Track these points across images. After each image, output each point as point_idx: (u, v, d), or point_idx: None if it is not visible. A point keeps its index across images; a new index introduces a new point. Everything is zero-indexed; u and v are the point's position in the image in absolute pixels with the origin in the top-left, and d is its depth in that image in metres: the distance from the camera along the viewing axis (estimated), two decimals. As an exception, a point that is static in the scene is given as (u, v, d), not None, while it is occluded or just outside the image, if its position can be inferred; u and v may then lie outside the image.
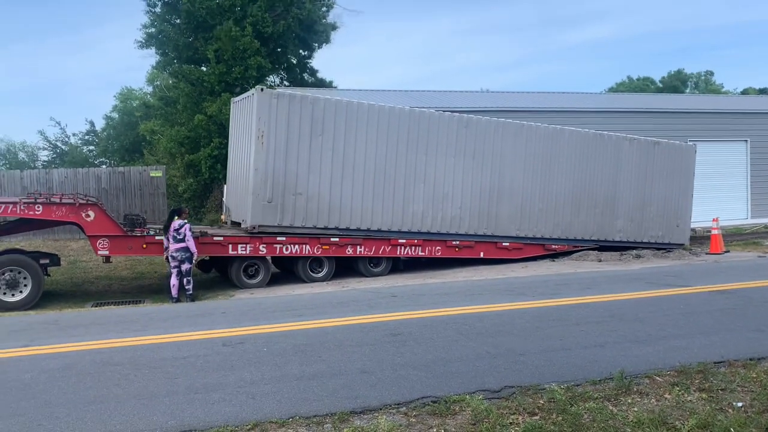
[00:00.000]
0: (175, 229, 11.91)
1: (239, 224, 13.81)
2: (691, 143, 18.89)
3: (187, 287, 11.95)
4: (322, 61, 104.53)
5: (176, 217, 12.13)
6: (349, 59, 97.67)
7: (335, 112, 13.57)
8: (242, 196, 13.83)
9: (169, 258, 12.03)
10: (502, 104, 23.24)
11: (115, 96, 46.80)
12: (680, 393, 5.54)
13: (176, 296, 11.94)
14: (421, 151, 14.49)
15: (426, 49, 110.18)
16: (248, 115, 13.56)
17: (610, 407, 5.26)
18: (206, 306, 11.10)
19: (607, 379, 5.86)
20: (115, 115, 43.81)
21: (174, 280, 11.96)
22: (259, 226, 13.04)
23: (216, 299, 12.07)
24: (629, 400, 5.42)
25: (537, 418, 5.07)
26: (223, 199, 16.26)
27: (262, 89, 13.17)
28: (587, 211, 16.57)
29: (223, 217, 15.92)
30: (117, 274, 15.76)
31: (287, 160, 13.16)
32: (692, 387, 5.67)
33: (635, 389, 5.64)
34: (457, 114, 15.40)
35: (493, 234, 15.37)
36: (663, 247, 17.50)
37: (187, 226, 12.10)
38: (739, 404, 5.28)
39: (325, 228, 13.64)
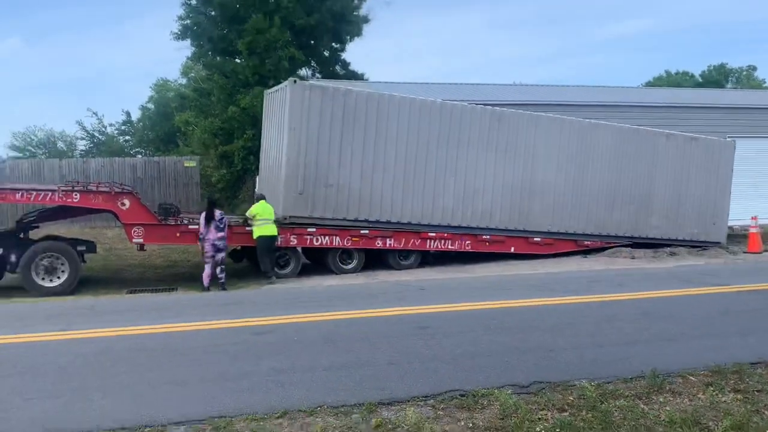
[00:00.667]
0: (218, 219, 12.16)
1: None
2: (730, 140, 18.40)
3: (220, 275, 12.14)
4: (355, 53, 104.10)
5: (215, 208, 12.40)
6: (382, 52, 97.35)
7: (366, 105, 13.56)
8: (274, 186, 13.94)
9: (208, 247, 12.21)
10: (536, 98, 22.96)
11: (150, 87, 47.43)
12: (714, 393, 5.43)
13: (208, 285, 12.10)
14: (453, 145, 14.38)
15: (460, 42, 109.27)
16: (281, 106, 13.65)
17: (642, 405, 5.19)
18: (238, 295, 11.23)
19: (639, 377, 5.78)
20: (151, 106, 44.41)
21: (209, 270, 12.13)
22: (290, 216, 13.13)
23: (248, 288, 12.20)
24: (661, 399, 5.33)
25: (566, 414, 5.03)
26: (256, 189, 16.41)
27: (295, 81, 13.23)
28: (621, 207, 16.28)
29: None
30: (151, 262, 16.03)
31: (319, 151, 13.21)
32: (727, 387, 5.56)
33: (668, 388, 5.55)
34: (490, 107, 15.23)
35: (525, 229, 15.21)
36: (699, 245, 17.14)
37: (226, 216, 12.38)
38: (776, 406, 5.15)
39: (355, 220, 13.64)
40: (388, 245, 14.08)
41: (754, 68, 62.91)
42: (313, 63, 31.99)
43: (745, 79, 60.95)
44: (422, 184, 14.13)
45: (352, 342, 7.08)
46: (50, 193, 12.11)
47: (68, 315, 9.13)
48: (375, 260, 14.36)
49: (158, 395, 5.44)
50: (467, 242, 14.83)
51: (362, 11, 30.92)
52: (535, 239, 15.50)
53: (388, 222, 13.91)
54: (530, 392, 5.49)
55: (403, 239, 14.20)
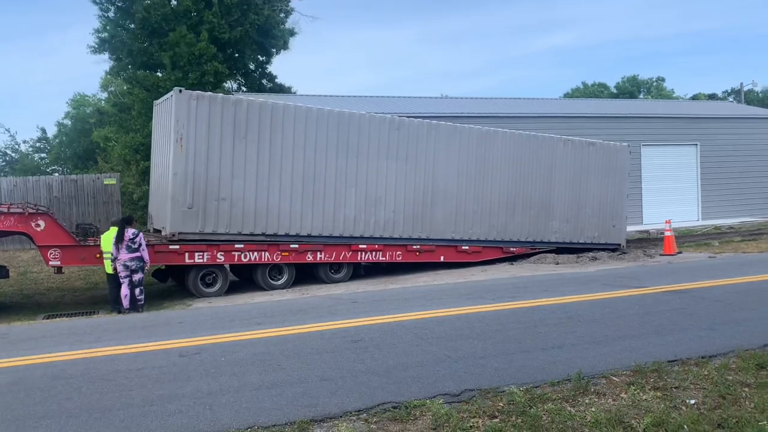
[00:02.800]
0: (129, 239, 11.63)
1: (160, 232, 13.38)
2: (624, 143, 19.07)
3: (139, 297, 11.67)
4: (285, 67, 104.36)
5: (127, 226, 11.84)
6: (313, 67, 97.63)
7: (260, 114, 13.21)
8: (162, 202, 13.40)
9: (120, 268, 11.71)
10: (460, 110, 23.52)
11: (67, 102, 45.74)
12: (636, 392, 5.63)
13: (128, 306, 11.62)
14: (352, 154, 14.24)
15: (390, 56, 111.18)
16: (168, 117, 13.13)
17: (569, 408, 5.32)
18: (163, 316, 10.86)
19: (566, 380, 5.93)
20: (68, 122, 42.77)
21: (126, 290, 11.64)
22: (179, 233, 12.58)
23: (173, 309, 11.82)
24: (587, 401, 5.48)
25: (497, 420, 5.09)
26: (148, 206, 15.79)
27: (180, 90, 12.72)
28: (522, 213, 16.61)
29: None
30: (70, 285, 15.33)
31: (209, 164, 12.74)
32: (647, 386, 5.77)
33: (592, 389, 5.72)
34: (389, 116, 15.24)
35: (428, 237, 15.26)
36: (600, 248, 17.71)
37: (141, 234, 11.85)
38: (692, 401, 5.39)
39: (251, 234, 13.24)
40: (318, 259, 14.00)
41: (663, 79, 66.53)
42: (238, 76, 31.65)
43: (655, 89, 64.31)
44: (322, 194, 13.92)
45: (282, 359, 6.96)
46: (-44, 216, 11.41)
47: (-22, 344, 8.58)
48: (306, 275, 14.24)
49: (77, 425, 5.17)
50: (398, 253, 14.94)
51: (287, 25, 30.91)
52: (464, 248, 15.77)
53: (287, 235, 13.57)
54: (462, 401, 5.53)
55: (334, 252, 14.15)
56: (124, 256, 11.61)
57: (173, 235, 12.54)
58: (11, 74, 73.53)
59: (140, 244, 11.69)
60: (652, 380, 5.90)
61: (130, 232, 11.72)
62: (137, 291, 11.68)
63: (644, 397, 5.53)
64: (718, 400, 5.40)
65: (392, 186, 14.75)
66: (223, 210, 12.91)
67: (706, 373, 6.08)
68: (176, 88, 12.85)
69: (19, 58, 75.37)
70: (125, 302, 11.65)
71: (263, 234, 13.33)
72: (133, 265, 11.64)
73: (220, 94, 13.61)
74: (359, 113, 14.73)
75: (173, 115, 12.54)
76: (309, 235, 13.80)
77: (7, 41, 75.67)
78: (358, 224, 14.35)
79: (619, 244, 18.29)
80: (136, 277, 11.69)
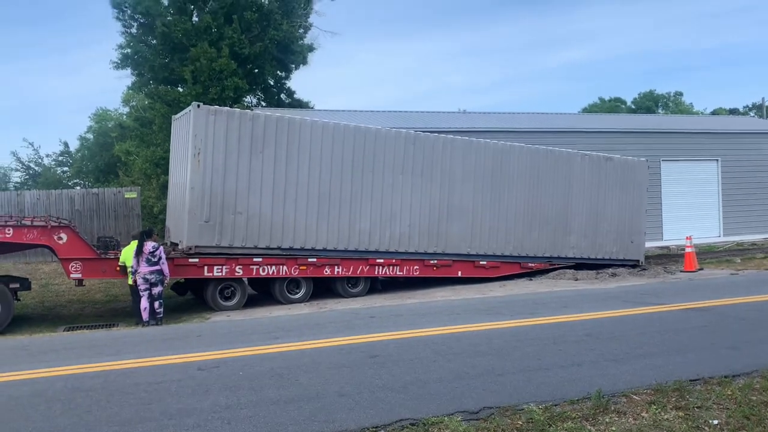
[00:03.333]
0: (150, 252, 11.74)
1: (177, 245, 13.41)
2: (643, 158, 18.92)
3: (158, 310, 11.77)
4: (304, 83, 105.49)
5: (147, 239, 11.95)
6: (333, 82, 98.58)
7: (276, 129, 13.29)
8: (179, 215, 13.48)
9: (140, 281, 11.81)
10: (477, 125, 23.50)
11: (90, 117, 46.36)
12: (657, 411, 5.55)
13: (147, 319, 11.72)
14: (368, 169, 14.29)
15: (409, 71, 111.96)
16: (186, 132, 13.25)
17: (588, 427, 5.25)
18: (181, 329, 10.93)
19: (585, 399, 5.85)
20: (90, 136, 43.39)
21: (145, 303, 11.75)
22: (195, 246, 12.63)
23: (191, 322, 11.89)
24: (607, 419, 5.41)
25: (515, 439, 5.05)
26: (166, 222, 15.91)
27: (198, 105, 12.86)
28: (540, 228, 16.50)
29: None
30: (90, 298, 15.48)
31: (226, 178, 12.83)
32: (669, 405, 5.68)
33: (613, 408, 5.64)
34: (404, 130, 15.30)
35: (444, 252, 15.19)
36: (618, 264, 17.52)
37: (161, 248, 11.95)
38: (715, 422, 5.29)
39: (267, 248, 13.27)
40: (336, 273, 14.02)
41: (681, 94, 66.11)
42: (258, 91, 31.95)
43: (673, 104, 63.89)
44: (338, 209, 13.94)
45: (300, 374, 6.96)
46: (-19, 229, 11.60)
47: (1, 356, 8.68)
48: (323, 289, 14.26)
49: (97, 438, 5.20)
50: (415, 267, 14.92)
51: (307, 40, 31.17)
52: (482, 263, 15.70)
53: (302, 249, 13.57)
54: (480, 418, 5.48)
55: (352, 266, 14.16)
56: (144, 269, 11.73)
57: (190, 249, 12.62)
58: (35, 89, 75.08)
59: (160, 258, 11.80)
60: (673, 399, 5.81)
61: (150, 245, 11.83)
62: (156, 304, 11.78)
63: (666, 417, 5.44)
64: (741, 421, 5.29)
65: (408, 200, 14.76)
66: (240, 224, 12.97)
67: (729, 392, 5.97)
68: (194, 103, 13.00)
69: (43, 73, 76.96)
70: (144, 315, 11.75)
71: (279, 248, 13.39)
72: (152, 278, 11.74)
73: (238, 110, 13.74)
74: (375, 128, 14.80)
75: (191, 129, 12.68)
76: (325, 249, 13.83)
77: (32, 58, 77.35)
78: (374, 238, 14.36)
79: (638, 261, 18.10)
80: (156, 290, 11.79)
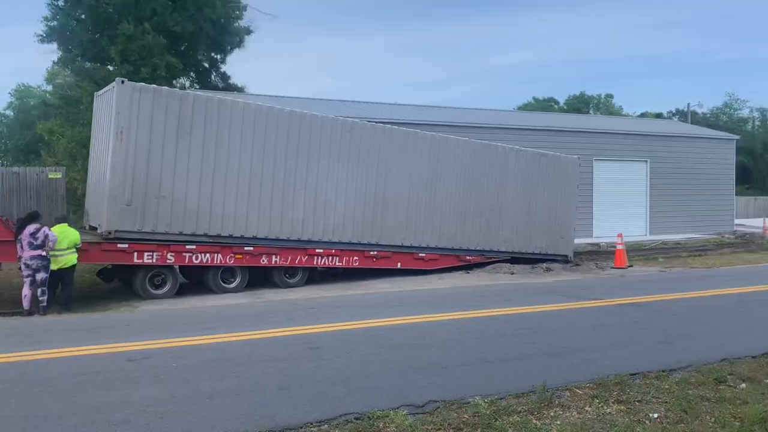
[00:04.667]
0: (30, 234, 10.83)
1: (96, 229, 12.72)
2: (575, 156, 19.26)
3: (41, 298, 10.89)
4: (243, 69, 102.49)
5: (31, 222, 10.97)
6: (271, 70, 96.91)
7: (206, 110, 12.67)
8: (99, 198, 12.74)
9: (22, 266, 10.97)
10: (416, 118, 23.51)
11: (10, 93, 43.87)
12: (600, 405, 5.58)
13: (29, 308, 10.89)
14: (302, 156, 13.82)
15: (350, 64, 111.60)
16: (109, 109, 12.50)
17: (534, 421, 5.21)
18: (108, 318, 10.38)
19: (530, 392, 5.83)
20: (10, 113, 41.08)
21: (26, 290, 10.90)
22: (115, 231, 11.94)
23: (119, 311, 11.31)
24: (552, 413, 5.40)
25: (462, 433, 4.95)
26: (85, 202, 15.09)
27: (123, 81, 12.13)
28: (473, 221, 16.52)
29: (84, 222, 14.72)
30: (7, 282, 14.52)
31: (150, 159, 12.15)
32: (611, 399, 5.73)
33: (557, 402, 5.64)
34: (341, 118, 14.95)
35: (378, 243, 14.98)
36: (548, 259, 17.83)
37: (45, 230, 11.01)
38: (655, 415, 5.36)
39: (192, 234, 12.68)
40: (274, 262, 13.66)
41: (611, 96, 68.42)
42: (191, 74, 30.96)
43: (604, 106, 66.08)
44: (269, 196, 13.46)
45: (237, 366, 6.66)
46: None
47: None
48: (260, 278, 13.87)
49: (14, 435, 4.79)
50: (355, 258, 14.73)
51: (243, 23, 30.39)
52: (421, 255, 15.66)
53: (231, 236, 13.06)
54: (426, 412, 5.37)
55: (290, 256, 13.83)
56: (26, 254, 10.85)
57: (109, 233, 11.91)
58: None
59: (46, 241, 10.91)
60: (615, 393, 5.87)
61: (31, 227, 10.88)
62: (39, 291, 10.90)
63: (608, 411, 5.48)
64: (680, 414, 5.38)
65: (343, 190, 14.41)
66: (164, 208, 12.31)
67: (667, 387, 6.08)
68: (118, 79, 12.24)
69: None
70: (25, 303, 10.88)
71: (206, 234, 12.80)
72: (34, 263, 10.84)
73: (165, 88, 13.00)
74: (311, 114, 14.32)
75: (114, 107, 11.92)
76: (256, 237, 13.34)
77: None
78: (307, 228, 13.94)
79: (567, 256, 18.45)
80: (39, 276, 10.91)
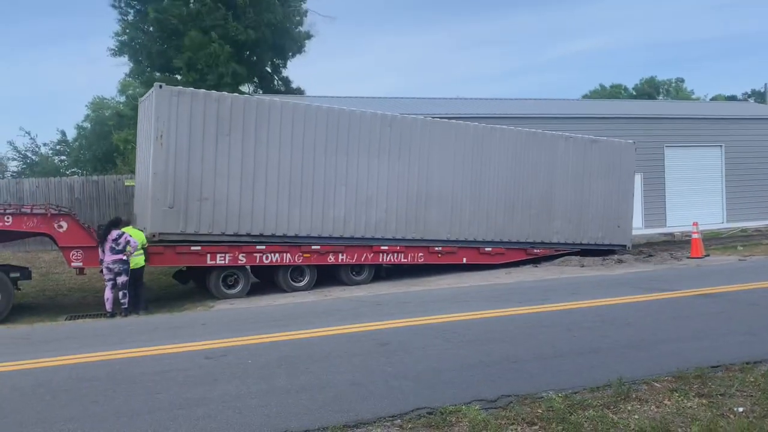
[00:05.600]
0: (113, 240, 11.37)
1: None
2: (630, 140, 18.43)
3: (122, 300, 11.41)
4: (304, 72, 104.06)
5: (114, 228, 11.54)
6: (334, 72, 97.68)
7: (244, 111, 12.78)
8: (144, 201, 13.01)
9: (104, 270, 11.48)
10: (480, 111, 23.23)
11: (87, 105, 45.96)
12: (680, 399, 5.40)
13: (111, 310, 11.40)
14: (342, 152, 13.74)
15: (413, 61, 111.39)
16: (149, 114, 12.77)
17: (610, 415, 5.10)
18: (186, 317, 10.77)
19: (605, 386, 5.70)
20: (87, 125, 43.01)
21: (108, 294, 11.42)
22: (159, 234, 12.18)
23: (195, 310, 11.72)
24: (629, 407, 5.26)
25: (536, 428, 4.89)
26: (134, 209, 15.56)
27: (161, 86, 12.35)
28: (522, 213, 16.04)
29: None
30: (91, 286, 15.26)
31: (190, 162, 12.31)
32: (691, 392, 5.54)
33: (634, 396, 5.49)
34: (381, 112, 14.75)
35: (423, 238, 14.75)
36: (604, 249, 17.23)
37: (127, 235, 11.51)
38: (740, 409, 5.15)
39: (235, 234, 12.82)
40: (340, 260, 13.85)
41: (682, 80, 65.69)
42: (255, 79, 31.67)
43: (674, 90, 63.55)
44: (310, 193, 13.47)
45: (310, 362, 6.80)
46: (-19, 217, 11.38)
47: (1, 345, 8.52)
48: (327, 277, 14.09)
49: (105, 428, 5.04)
50: (420, 254, 14.74)
51: (304, 27, 30.86)
52: (486, 249, 15.51)
53: (273, 235, 13.15)
54: (498, 407, 5.33)
55: (356, 254, 14.00)
56: (108, 258, 11.39)
57: (153, 236, 12.22)
58: (32, 78, 74.45)
59: (126, 246, 11.43)
60: (696, 387, 5.67)
61: (114, 233, 11.42)
62: (120, 294, 11.41)
63: (689, 405, 5.30)
64: (767, 408, 5.15)
65: (384, 185, 14.27)
66: (206, 210, 12.49)
67: (752, 379, 5.83)
68: (156, 84, 12.51)
69: (40, 62, 76.31)
70: (108, 305, 11.40)
71: (248, 234, 12.91)
72: (116, 267, 11.36)
73: (202, 90, 13.15)
74: (349, 109, 14.20)
75: (153, 111, 12.18)
76: (296, 236, 13.38)
77: (28, 46, 76.65)
78: (348, 225, 13.87)
79: (625, 245, 17.80)
80: (120, 279, 11.42)
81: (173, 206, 12.23)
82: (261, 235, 13.06)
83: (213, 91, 13.17)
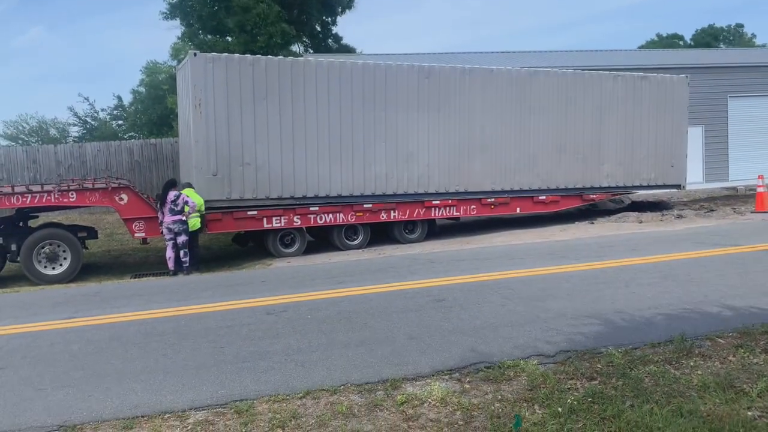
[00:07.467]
0: (171, 201, 11.70)
1: None
2: (682, 75, 17.53)
3: (183, 260, 11.78)
4: (356, 29, 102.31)
5: (170, 189, 11.89)
6: (388, 28, 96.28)
7: (279, 73, 12.71)
8: (188, 170, 13.19)
9: (165, 231, 11.85)
10: (533, 64, 22.61)
11: (141, 70, 46.86)
12: (745, 355, 5.29)
13: (173, 269, 11.83)
14: (380, 108, 13.57)
15: (467, 16, 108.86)
16: (186, 83, 12.84)
17: (672, 371, 5.03)
18: (245, 275, 11.07)
19: (667, 342, 5.63)
20: (143, 89, 43.90)
21: (170, 253, 11.82)
22: (206, 201, 12.36)
23: (254, 269, 12.03)
24: (692, 363, 5.18)
25: (596, 383, 4.87)
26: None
27: (195, 53, 12.40)
28: (570, 158, 15.56)
29: None
30: (153, 246, 15.79)
31: (230, 128, 12.40)
32: (757, 349, 5.41)
33: (697, 352, 5.40)
34: (417, 64, 14.34)
35: (467, 190, 14.52)
36: (657, 188, 16.69)
37: (184, 196, 11.80)
38: (810, 365, 5.01)
39: (279, 198, 12.93)
40: (392, 217, 13.93)
41: (741, 26, 62.17)
42: (305, 38, 31.56)
43: (734, 37, 60.30)
44: (350, 152, 13.41)
45: (368, 318, 6.92)
46: (46, 195, 11.85)
47: (74, 302, 8.96)
48: (381, 235, 14.20)
49: (175, 380, 5.29)
50: (472, 207, 14.63)
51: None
52: (540, 198, 15.24)
53: (316, 197, 13.22)
54: (557, 362, 5.33)
55: (408, 210, 14.04)
56: (168, 219, 11.74)
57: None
58: (89, 46, 76.17)
59: (184, 207, 11.72)
60: (762, 343, 5.52)
61: (172, 194, 11.74)
62: (182, 253, 11.78)
63: (755, 361, 5.18)
64: (839, 365, 4.99)
65: (425, 138, 14.06)
66: (249, 175, 12.62)
67: (822, 335, 5.64)
68: (191, 51, 12.58)
69: (96, 31, 77.85)
70: (170, 264, 11.82)
71: (291, 197, 13.04)
72: (176, 227, 11.72)
73: (237, 55, 13.16)
74: (385, 63, 13.93)
75: (190, 79, 12.29)
76: (339, 196, 13.45)
77: (86, 15, 78.21)
78: (390, 182, 13.81)
79: (679, 185, 17.18)
80: (180, 239, 11.78)
81: (216, 173, 12.43)
82: (304, 197, 13.18)
83: (247, 55, 13.17)
